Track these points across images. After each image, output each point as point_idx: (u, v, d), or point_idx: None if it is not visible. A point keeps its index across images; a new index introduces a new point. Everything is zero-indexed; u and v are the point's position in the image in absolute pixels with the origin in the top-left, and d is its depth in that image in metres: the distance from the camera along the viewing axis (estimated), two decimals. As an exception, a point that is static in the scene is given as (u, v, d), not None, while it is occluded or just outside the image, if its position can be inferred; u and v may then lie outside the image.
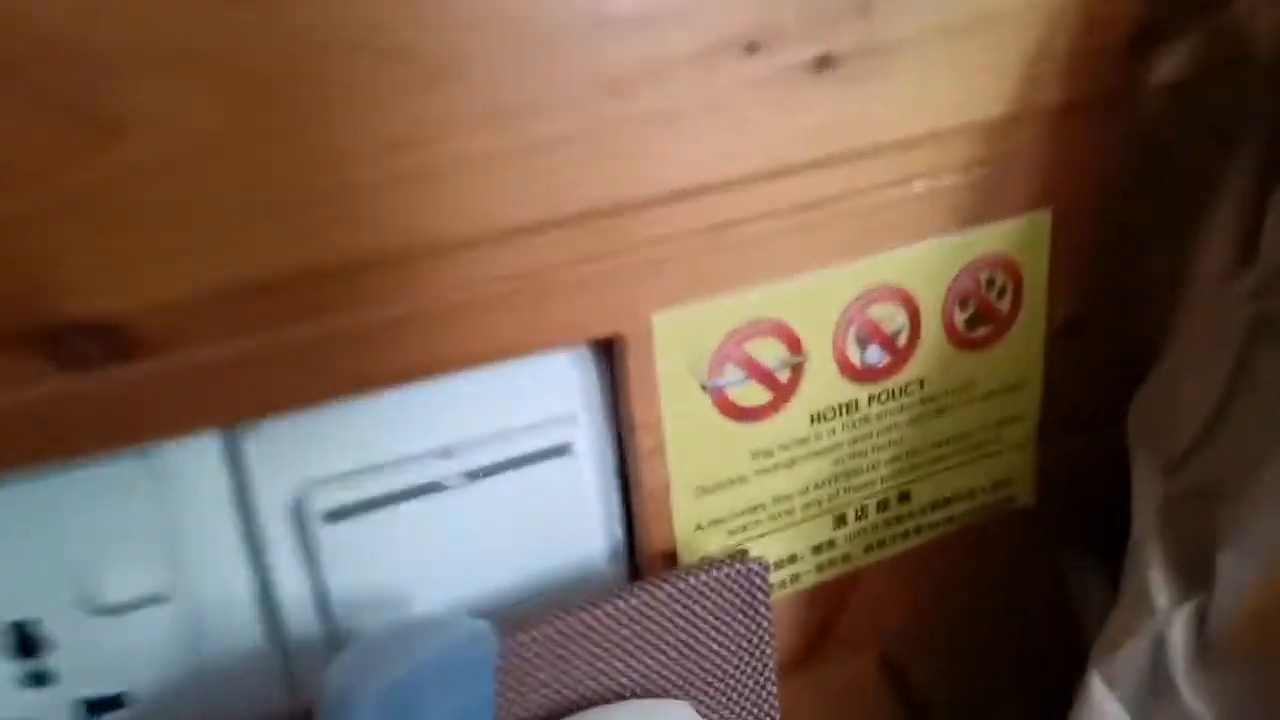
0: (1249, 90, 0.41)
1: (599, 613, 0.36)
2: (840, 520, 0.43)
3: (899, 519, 0.44)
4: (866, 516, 0.43)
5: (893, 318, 0.40)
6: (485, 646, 0.33)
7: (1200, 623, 0.35)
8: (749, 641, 0.38)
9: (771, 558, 0.42)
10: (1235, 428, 0.37)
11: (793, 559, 0.43)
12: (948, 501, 0.45)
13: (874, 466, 0.43)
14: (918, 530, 0.45)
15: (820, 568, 0.43)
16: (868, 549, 0.44)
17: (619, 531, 0.40)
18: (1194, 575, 0.35)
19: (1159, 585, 0.35)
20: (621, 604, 0.36)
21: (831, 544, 0.43)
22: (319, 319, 0.31)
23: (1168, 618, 0.35)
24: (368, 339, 0.32)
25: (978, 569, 0.47)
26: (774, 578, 0.42)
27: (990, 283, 0.42)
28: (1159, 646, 0.35)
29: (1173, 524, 0.37)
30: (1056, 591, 0.46)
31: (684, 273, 0.36)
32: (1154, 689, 0.35)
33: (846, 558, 0.44)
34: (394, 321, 0.32)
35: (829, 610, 0.44)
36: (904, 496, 0.44)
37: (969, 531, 0.46)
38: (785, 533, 0.42)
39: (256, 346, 0.30)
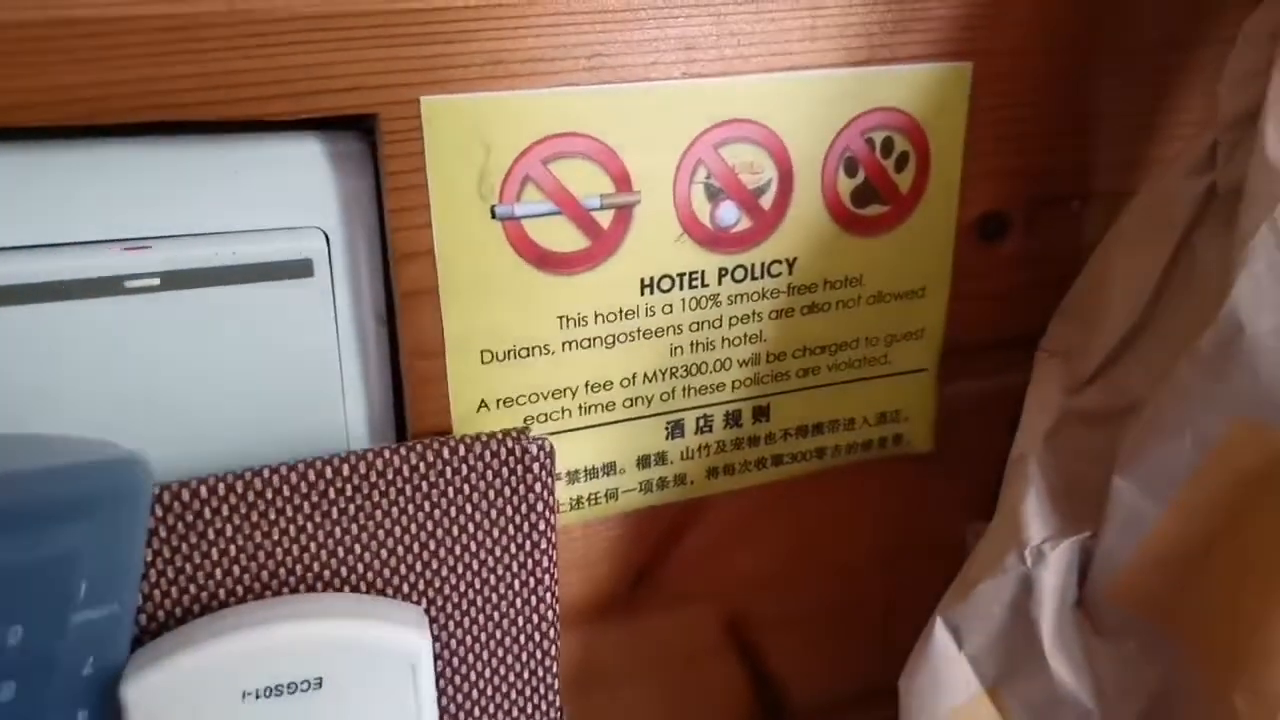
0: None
1: (312, 476, 0.27)
2: (675, 429, 0.34)
3: (754, 441, 0.35)
4: (711, 430, 0.35)
5: (755, 168, 0.32)
6: (133, 478, 0.25)
7: (1082, 567, 0.26)
8: (519, 542, 0.29)
9: (582, 462, 0.33)
10: (1161, 330, 0.28)
11: (610, 469, 0.34)
12: (819, 429, 0.36)
13: (723, 365, 0.34)
14: (777, 460, 0.36)
15: (648, 487, 0.35)
16: (711, 473, 0.35)
17: (381, 401, 0.31)
18: (1082, 506, 0.27)
19: (1034, 512, 0.27)
20: (345, 470, 0.28)
21: (663, 457, 0.35)
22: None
23: (1039, 555, 0.26)
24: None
25: (853, 522, 0.38)
26: (585, 489, 0.34)
27: (886, 147, 0.33)
28: (1024, 591, 0.26)
29: (1066, 442, 0.28)
30: (951, 561, 0.37)
31: (472, 47, 0.28)
32: (1013, 645, 0.26)
33: (683, 480, 0.35)
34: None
35: (658, 545, 0.36)
36: (761, 412, 0.35)
37: (845, 474, 0.37)
38: (602, 432, 0.33)
39: None
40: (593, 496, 0.34)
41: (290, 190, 0.29)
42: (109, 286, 0.27)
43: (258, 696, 0.25)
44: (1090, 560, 0.27)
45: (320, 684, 0.25)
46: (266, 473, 0.27)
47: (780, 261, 0.33)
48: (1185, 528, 0.25)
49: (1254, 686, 0.24)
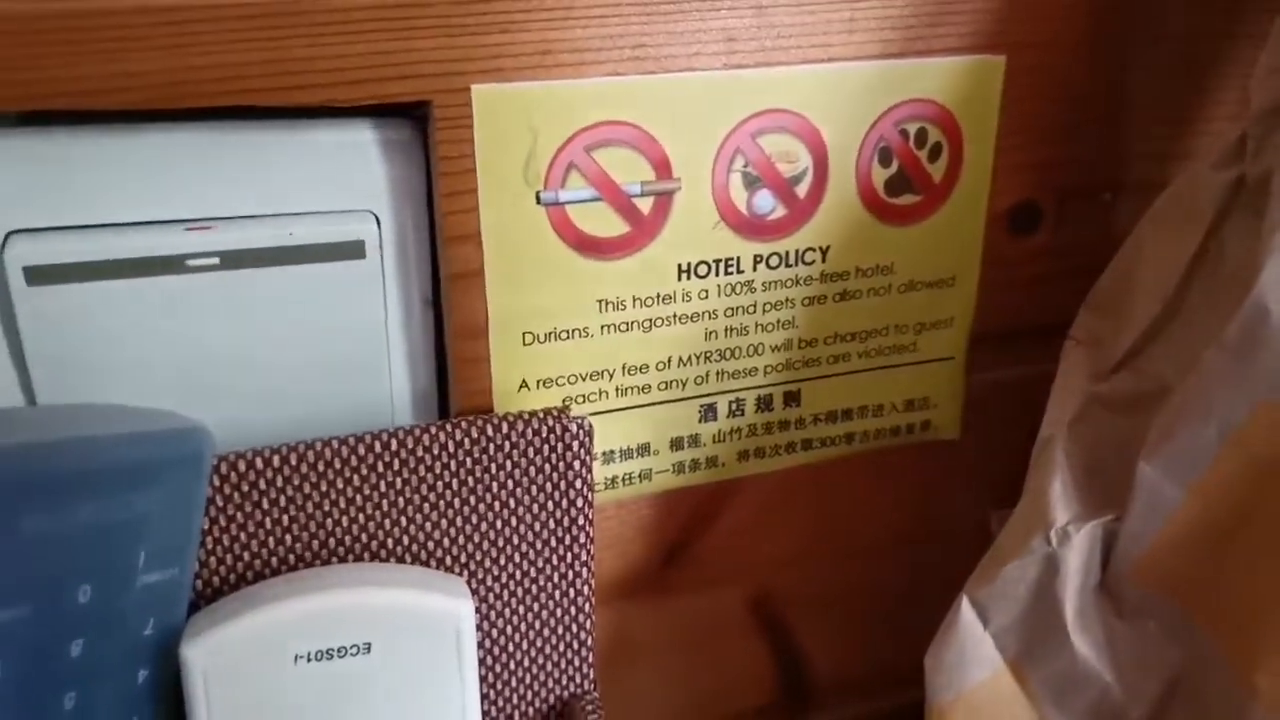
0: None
1: (363, 451, 0.28)
2: (709, 412, 0.35)
3: (784, 425, 0.36)
4: (743, 414, 0.36)
5: (791, 157, 0.33)
6: (194, 446, 0.26)
7: (1105, 549, 0.27)
8: (557, 518, 0.30)
9: (617, 443, 0.34)
10: (1188, 319, 0.29)
11: (645, 450, 0.35)
12: (848, 415, 0.37)
13: (756, 350, 0.35)
14: (807, 444, 0.37)
15: (680, 468, 0.36)
16: (742, 456, 0.36)
17: (427, 378, 0.32)
18: (1107, 489, 0.27)
19: (1059, 495, 0.28)
20: (394, 445, 0.29)
21: (696, 440, 0.35)
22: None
23: (1064, 536, 0.27)
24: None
25: (880, 506, 0.39)
26: (619, 469, 0.35)
27: (921, 138, 0.34)
28: (1049, 571, 0.27)
29: (1091, 427, 0.29)
30: (975, 548, 0.38)
31: (522, 37, 0.29)
32: (1037, 623, 0.27)
33: (714, 462, 0.36)
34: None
35: (689, 524, 0.37)
36: (792, 398, 0.36)
37: (873, 459, 0.38)
38: (637, 414, 0.34)
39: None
40: (627, 476, 0.35)
41: (344, 175, 0.30)
42: (172, 265, 0.28)
43: (309, 659, 0.26)
44: (1114, 542, 0.27)
45: (369, 649, 0.27)
46: (319, 445, 0.28)
47: (814, 249, 0.34)
48: (1208, 511, 0.26)
49: (1275, 667, 0.25)
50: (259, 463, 0.28)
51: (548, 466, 0.30)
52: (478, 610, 0.30)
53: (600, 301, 0.32)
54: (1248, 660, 0.25)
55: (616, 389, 0.34)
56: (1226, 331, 0.26)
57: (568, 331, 0.32)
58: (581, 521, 0.31)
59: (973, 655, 0.29)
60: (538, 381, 0.33)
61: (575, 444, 0.30)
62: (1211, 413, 0.26)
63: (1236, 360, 0.26)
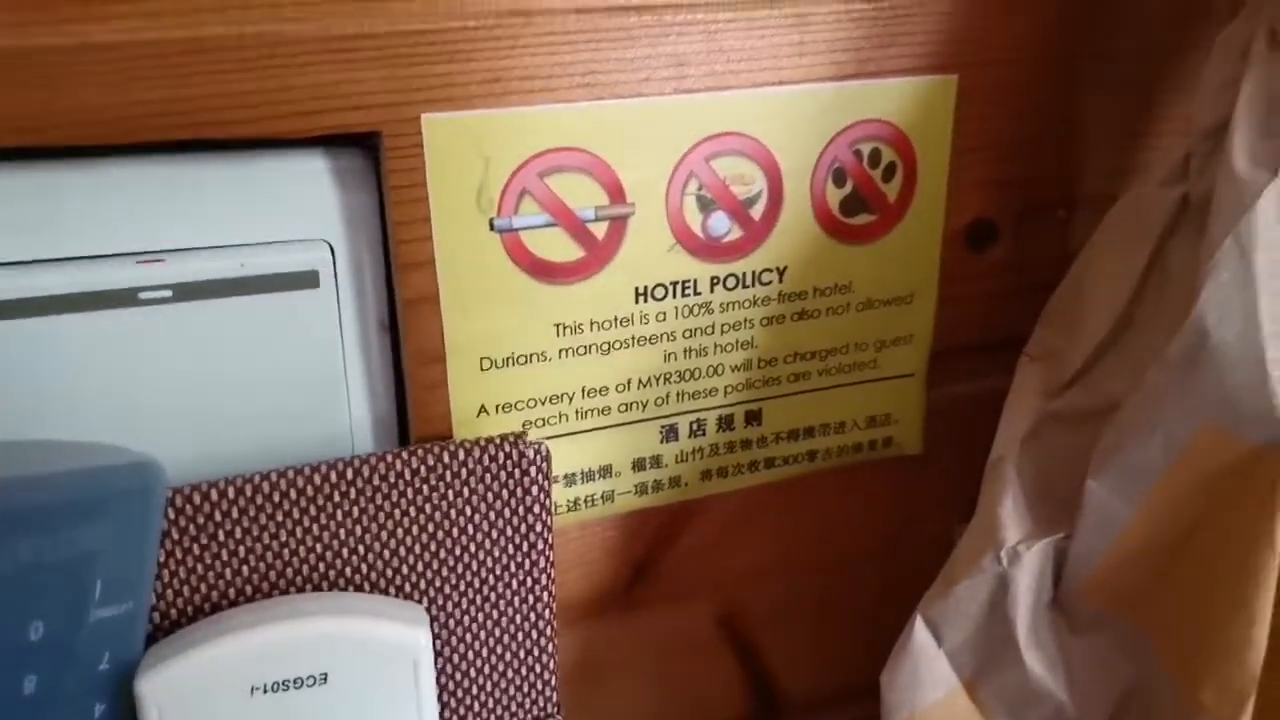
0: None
1: (318, 480, 0.29)
2: (670, 433, 0.35)
3: (746, 444, 0.37)
4: (704, 434, 0.36)
5: (745, 180, 0.33)
6: (145, 480, 0.26)
7: (1057, 566, 0.27)
8: (516, 543, 0.31)
9: (579, 465, 0.35)
10: (1137, 335, 0.29)
11: (606, 472, 0.35)
12: (810, 433, 0.37)
13: (716, 371, 0.35)
14: (769, 463, 0.37)
15: (643, 489, 0.36)
16: (705, 476, 0.36)
17: (386, 406, 0.33)
18: (1057, 507, 0.28)
19: (1010, 514, 0.28)
20: (349, 474, 0.29)
21: (658, 460, 0.36)
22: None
23: (1014, 556, 0.27)
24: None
25: (844, 523, 0.39)
26: (582, 491, 0.35)
27: (874, 158, 0.34)
28: (1001, 590, 0.27)
29: (1044, 444, 0.29)
30: (938, 560, 0.38)
31: (471, 66, 0.29)
32: (990, 642, 0.27)
33: (677, 482, 0.36)
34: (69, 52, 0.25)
35: (653, 544, 0.37)
36: (753, 417, 0.36)
37: (835, 476, 0.38)
38: (598, 436, 0.34)
39: None
40: (590, 498, 0.35)
41: (297, 204, 0.30)
42: (124, 298, 0.28)
43: (266, 691, 0.26)
44: (1065, 560, 0.28)
45: (325, 679, 0.27)
46: (274, 476, 0.28)
47: (771, 270, 0.34)
48: (1155, 528, 0.26)
49: (1220, 682, 0.25)
50: (214, 494, 0.28)
51: (505, 492, 0.30)
52: (439, 636, 0.30)
53: (557, 326, 0.33)
54: (1195, 676, 0.26)
55: (577, 412, 0.34)
56: (1169, 351, 0.26)
57: (526, 356, 0.33)
58: (541, 546, 0.31)
59: (927, 674, 0.29)
60: (497, 406, 0.33)
61: (533, 469, 0.30)
62: (1156, 430, 0.26)
63: (1179, 379, 0.26)
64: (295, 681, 0.26)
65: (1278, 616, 0.24)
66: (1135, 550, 0.26)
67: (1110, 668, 0.27)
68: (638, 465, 0.35)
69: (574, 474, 0.35)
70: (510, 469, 0.30)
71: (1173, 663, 0.26)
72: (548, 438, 0.33)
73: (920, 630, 0.29)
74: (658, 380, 0.34)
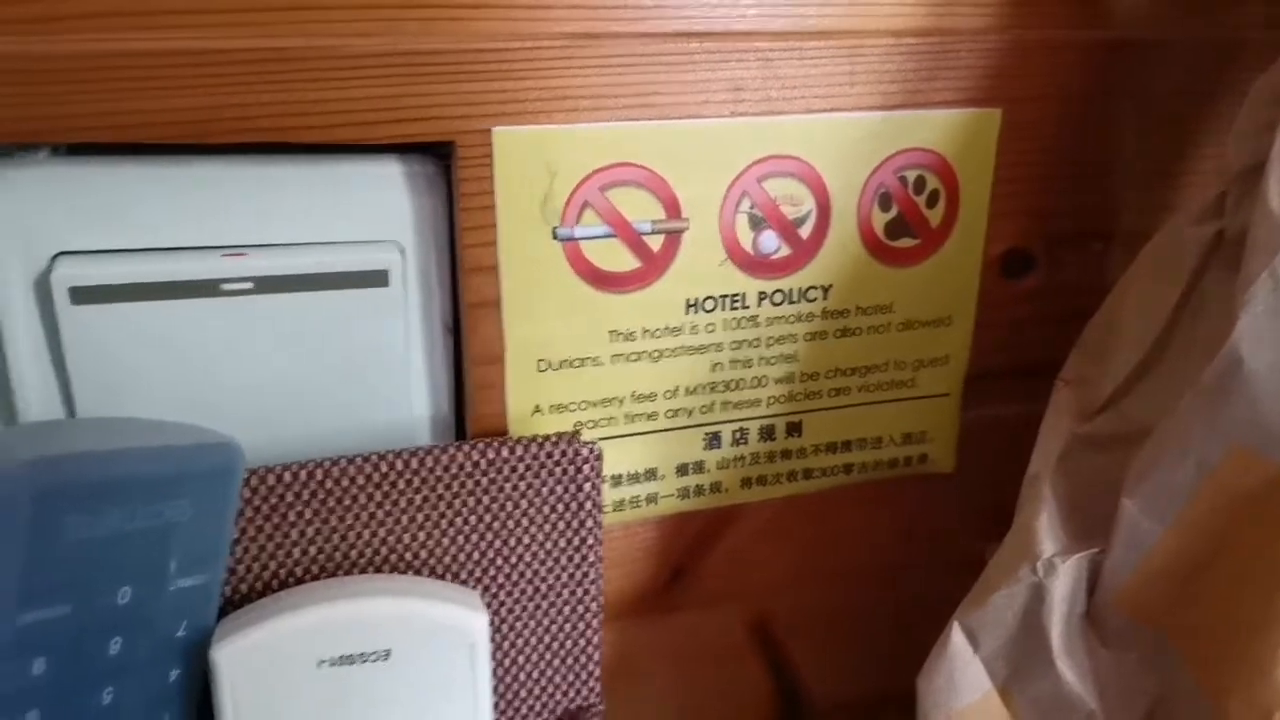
0: None
1: (385, 468, 0.30)
2: (713, 440, 0.37)
3: (786, 454, 0.38)
4: (746, 442, 0.37)
5: (795, 200, 0.34)
6: (226, 460, 0.28)
7: (1090, 580, 0.28)
8: (568, 537, 0.32)
9: (625, 467, 0.36)
10: (1169, 365, 0.30)
11: (651, 475, 0.36)
12: (847, 446, 0.39)
13: (760, 382, 0.37)
14: (807, 474, 0.38)
15: (685, 493, 0.37)
16: (745, 483, 0.38)
17: (445, 401, 0.34)
18: (1091, 523, 0.29)
19: (1046, 528, 0.29)
20: (414, 464, 0.30)
21: (700, 466, 0.37)
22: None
23: (1050, 567, 0.28)
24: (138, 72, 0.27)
25: (876, 535, 0.40)
26: (626, 492, 0.36)
27: (919, 185, 0.36)
28: (1036, 599, 0.29)
29: (1077, 465, 0.30)
30: (966, 578, 0.39)
31: (541, 83, 0.31)
32: (1024, 649, 0.29)
33: (718, 488, 0.38)
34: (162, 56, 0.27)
35: (692, 547, 0.38)
36: (794, 428, 0.38)
37: (870, 490, 0.39)
38: (644, 440, 0.36)
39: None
40: (634, 500, 0.36)
41: (371, 207, 0.31)
42: (209, 288, 0.30)
43: (331, 664, 0.28)
44: (1098, 574, 0.29)
45: (388, 656, 0.28)
46: (344, 462, 0.30)
47: (816, 288, 0.36)
48: (1186, 545, 0.28)
49: (1248, 695, 0.26)
50: (287, 477, 0.29)
51: (560, 488, 0.32)
52: (490, 623, 0.32)
53: (611, 332, 0.34)
54: (1222, 688, 0.27)
55: (625, 416, 0.35)
56: (1203, 377, 0.27)
57: (580, 360, 0.34)
58: (591, 541, 0.32)
59: (962, 678, 0.30)
60: (550, 407, 0.34)
61: (586, 467, 0.32)
62: (1189, 452, 0.28)
63: (1211, 404, 0.27)
64: (360, 656, 0.28)
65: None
66: (1166, 566, 0.28)
67: (1140, 679, 0.28)
68: (681, 470, 0.37)
69: (620, 475, 0.36)
70: (565, 466, 0.31)
71: (1201, 676, 0.27)
72: (597, 439, 0.35)
73: (957, 636, 0.30)
74: (704, 389, 0.36)
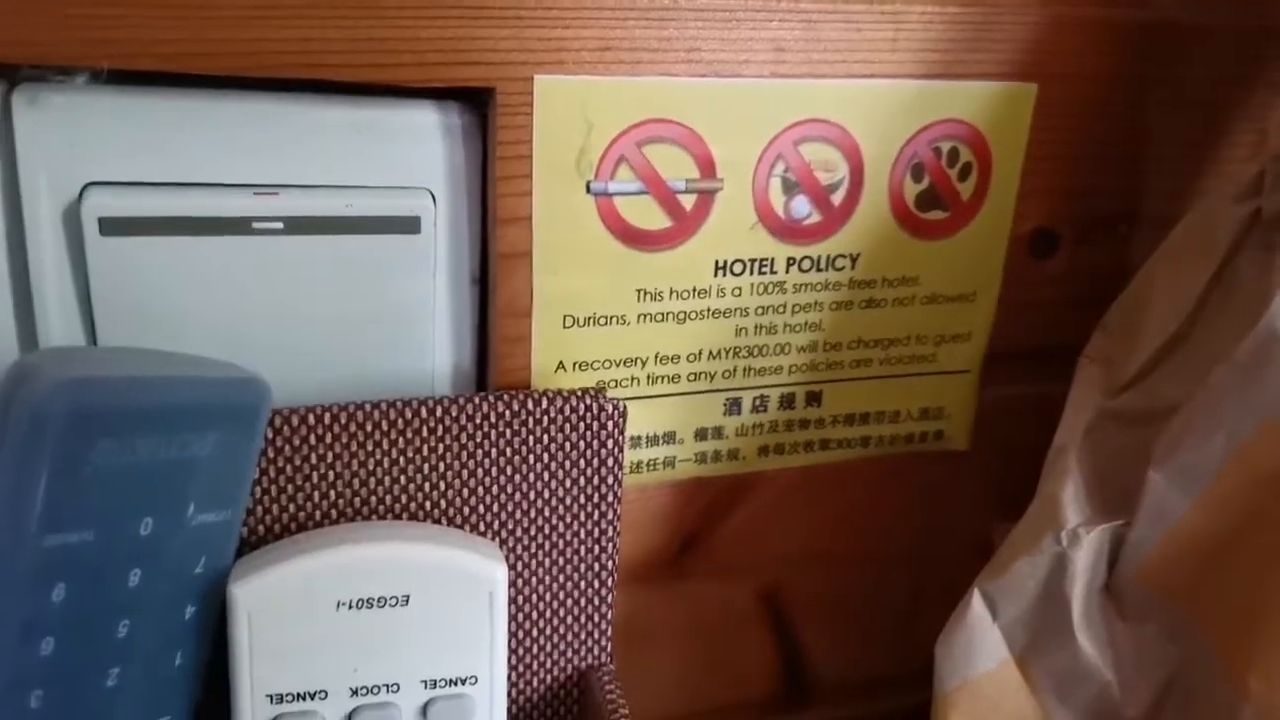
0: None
1: (409, 415, 0.30)
2: (733, 406, 0.37)
3: (804, 424, 0.38)
4: (766, 409, 0.37)
5: (830, 166, 0.34)
6: (254, 396, 0.27)
7: (1113, 552, 0.28)
8: (588, 494, 0.32)
9: (644, 429, 0.36)
10: (1197, 343, 0.30)
11: (670, 438, 0.36)
12: (865, 419, 0.38)
13: (783, 349, 0.36)
14: (825, 444, 0.38)
15: (702, 458, 0.37)
16: (763, 451, 0.38)
17: (468, 353, 0.34)
18: (1115, 497, 0.29)
19: (1071, 499, 0.29)
20: (439, 412, 0.30)
21: (719, 432, 0.37)
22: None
23: (1074, 538, 0.28)
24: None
25: (890, 510, 0.40)
26: (644, 455, 0.36)
27: (952, 157, 0.36)
28: (1058, 569, 0.28)
29: (1103, 439, 0.30)
30: (978, 556, 0.39)
31: (585, 33, 0.30)
32: (1044, 619, 0.29)
33: (736, 455, 0.37)
34: None
35: (706, 514, 0.38)
36: (814, 398, 0.38)
37: (886, 464, 0.39)
38: (665, 402, 0.36)
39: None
40: (651, 462, 0.36)
41: (405, 153, 0.31)
42: (239, 226, 0.30)
43: (350, 607, 0.27)
44: (1120, 547, 0.29)
45: (407, 601, 0.28)
46: (368, 407, 0.30)
47: (845, 256, 0.36)
48: (1211, 520, 0.28)
49: (1268, 669, 0.26)
50: (311, 419, 0.29)
51: (582, 444, 0.31)
52: (509, 575, 0.32)
53: (639, 291, 0.34)
54: (1242, 663, 0.27)
55: (648, 376, 0.35)
56: (1237, 351, 0.27)
57: (606, 318, 0.34)
58: (611, 499, 0.32)
59: (980, 645, 0.30)
60: (574, 364, 0.34)
61: (610, 424, 0.32)
62: (1219, 426, 0.28)
63: (1245, 379, 0.27)
64: (379, 600, 0.27)
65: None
66: (1191, 540, 0.28)
67: (1158, 652, 0.28)
68: (700, 435, 0.37)
69: (639, 437, 0.36)
70: (590, 422, 0.31)
71: (1220, 649, 0.27)
72: (617, 397, 0.35)
73: (977, 602, 0.30)
74: (727, 353, 0.36)
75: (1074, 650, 0.29)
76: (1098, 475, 0.30)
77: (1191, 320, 0.32)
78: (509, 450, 0.31)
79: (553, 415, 0.31)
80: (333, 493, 0.30)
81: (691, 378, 0.36)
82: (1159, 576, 0.28)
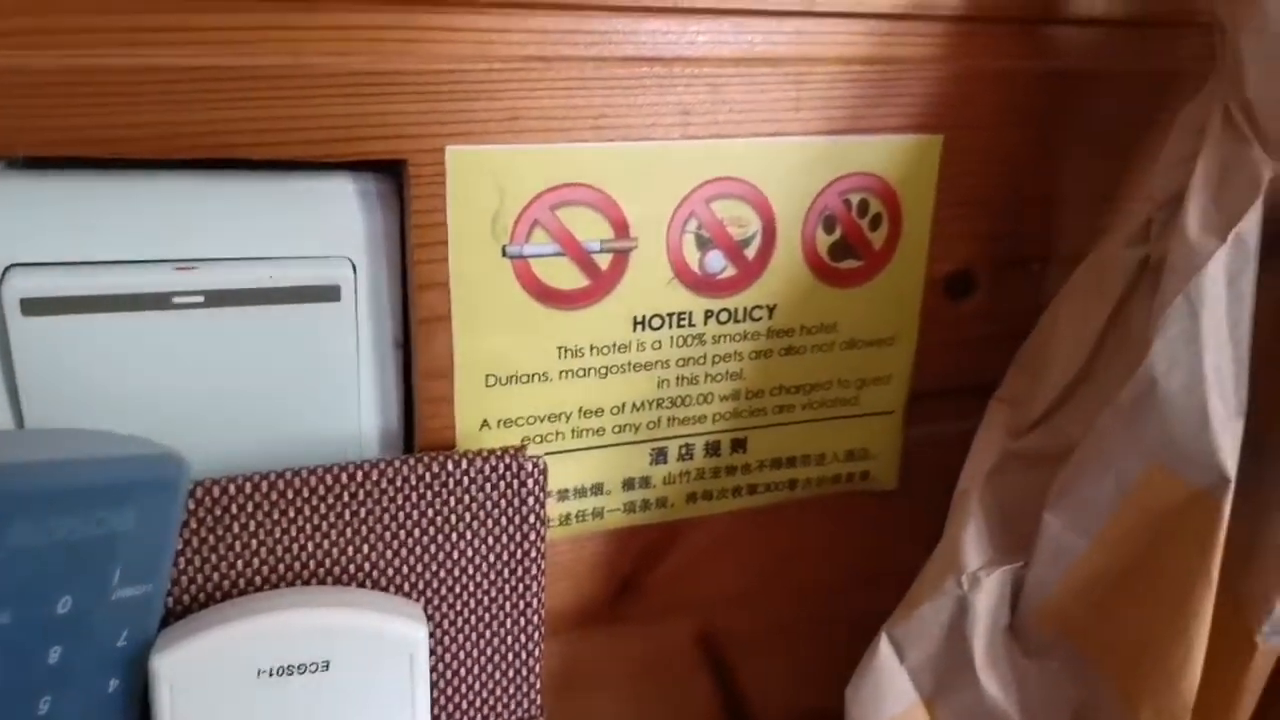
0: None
1: (330, 481, 0.31)
2: (659, 455, 0.38)
3: (731, 470, 0.39)
4: (692, 458, 0.38)
5: (742, 222, 0.35)
6: (170, 471, 0.28)
7: (1014, 593, 0.29)
8: (511, 550, 0.33)
9: (572, 482, 0.37)
10: (1096, 383, 0.32)
11: (598, 489, 0.37)
12: (791, 462, 0.39)
13: (705, 399, 0.37)
14: (752, 489, 0.39)
15: (631, 508, 0.38)
16: (690, 498, 0.38)
17: (394, 416, 0.35)
18: (1016, 538, 0.30)
19: (973, 542, 0.30)
20: (359, 477, 0.31)
21: (647, 481, 0.38)
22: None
23: (975, 581, 0.29)
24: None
25: (820, 551, 0.41)
26: (573, 506, 0.37)
27: (863, 208, 0.37)
28: (960, 612, 0.29)
29: (1006, 480, 0.31)
30: (906, 592, 0.40)
31: (495, 104, 0.31)
32: (949, 661, 0.29)
33: (664, 503, 0.38)
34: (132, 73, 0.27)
35: (638, 561, 0.39)
36: (739, 444, 0.38)
37: (814, 505, 0.40)
38: (591, 455, 0.37)
39: None
40: (580, 514, 0.37)
41: (323, 223, 0.32)
42: (159, 301, 0.30)
43: (271, 674, 0.28)
44: (1021, 588, 0.30)
45: (327, 666, 0.28)
46: (289, 474, 0.30)
47: (762, 307, 0.37)
48: (1106, 560, 0.28)
49: (1158, 705, 0.27)
50: (232, 489, 0.30)
51: (504, 502, 0.32)
52: (432, 635, 0.32)
53: (560, 348, 0.35)
54: (1136, 700, 0.28)
55: (573, 430, 0.36)
56: (1120, 397, 0.28)
57: (528, 376, 0.35)
58: (534, 555, 0.33)
59: (889, 689, 0.31)
60: (499, 421, 0.35)
61: (530, 481, 0.32)
62: (1108, 469, 0.29)
63: (1129, 423, 0.28)
64: (299, 667, 0.28)
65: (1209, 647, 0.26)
66: (1087, 580, 0.29)
67: (1060, 690, 0.29)
68: (627, 485, 0.37)
69: (567, 490, 0.36)
70: (510, 480, 0.32)
71: (1117, 686, 0.28)
72: (545, 454, 0.35)
73: (885, 647, 0.31)
74: (650, 405, 0.37)
75: (978, 692, 0.29)
76: (1000, 517, 0.31)
77: (1091, 360, 0.33)
78: (430, 511, 0.31)
79: (473, 475, 0.32)
80: (256, 560, 0.30)
81: (616, 430, 0.37)
82: (1058, 616, 0.29)
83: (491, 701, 0.33)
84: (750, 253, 0.36)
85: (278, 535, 0.30)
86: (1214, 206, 0.28)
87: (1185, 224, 0.28)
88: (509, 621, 0.33)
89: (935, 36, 0.36)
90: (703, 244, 0.35)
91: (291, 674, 0.28)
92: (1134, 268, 0.32)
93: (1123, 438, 0.28)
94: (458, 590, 0.32)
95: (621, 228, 0.34)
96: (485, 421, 0.35)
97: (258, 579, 0.30)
